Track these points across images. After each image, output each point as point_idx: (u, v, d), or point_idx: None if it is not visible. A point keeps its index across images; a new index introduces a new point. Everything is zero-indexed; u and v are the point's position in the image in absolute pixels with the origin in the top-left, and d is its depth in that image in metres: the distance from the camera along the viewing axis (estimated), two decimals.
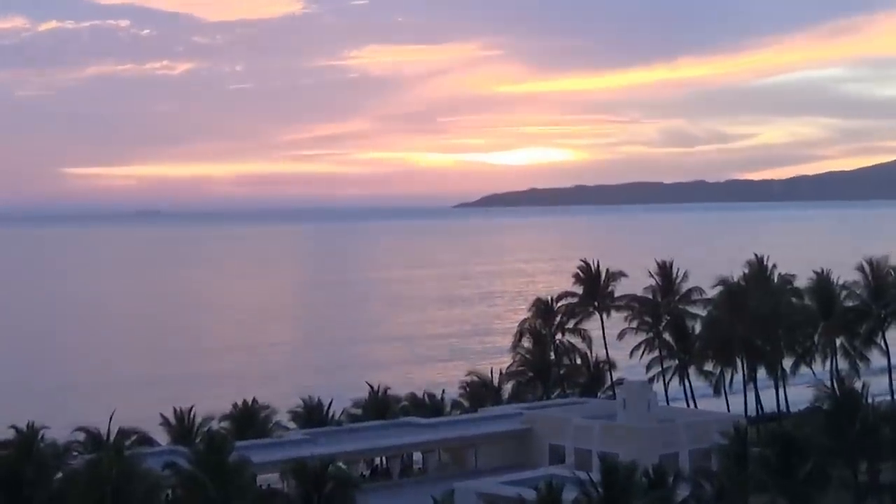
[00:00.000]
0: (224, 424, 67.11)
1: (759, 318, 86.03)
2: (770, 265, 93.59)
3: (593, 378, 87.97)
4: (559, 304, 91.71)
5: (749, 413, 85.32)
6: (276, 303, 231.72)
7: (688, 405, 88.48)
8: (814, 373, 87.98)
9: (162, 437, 66.26)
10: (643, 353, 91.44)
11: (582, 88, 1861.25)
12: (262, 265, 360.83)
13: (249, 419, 68.34)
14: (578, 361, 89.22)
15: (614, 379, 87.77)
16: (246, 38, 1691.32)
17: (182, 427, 65.81)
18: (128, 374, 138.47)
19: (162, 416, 66.93)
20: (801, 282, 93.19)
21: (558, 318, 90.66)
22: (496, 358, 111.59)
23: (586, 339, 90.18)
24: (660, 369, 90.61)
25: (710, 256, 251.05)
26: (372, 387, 78.51)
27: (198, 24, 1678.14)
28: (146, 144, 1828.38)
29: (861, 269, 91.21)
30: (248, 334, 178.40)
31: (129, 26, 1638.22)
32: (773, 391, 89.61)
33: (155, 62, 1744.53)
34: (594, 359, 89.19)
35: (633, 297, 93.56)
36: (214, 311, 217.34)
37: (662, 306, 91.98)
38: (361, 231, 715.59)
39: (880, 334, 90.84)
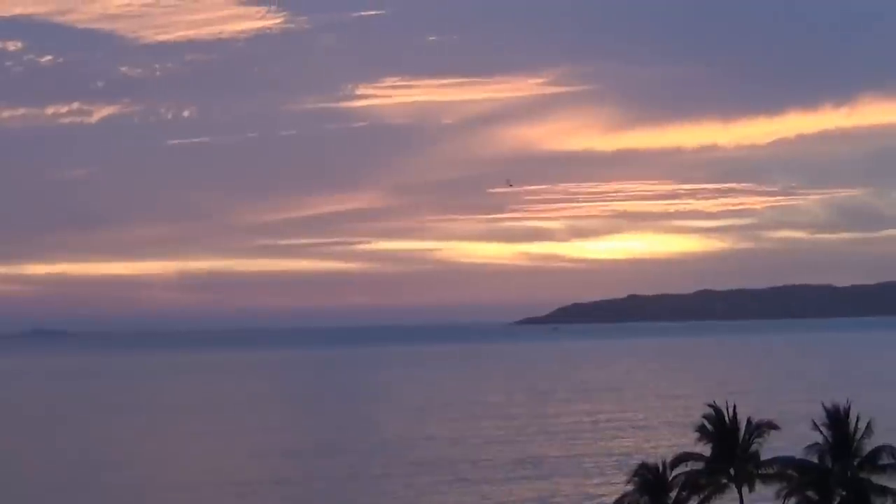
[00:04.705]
0: None
1: None
2: None
3: None
4: (675, 473, 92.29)
5: None
6: (242, 475, 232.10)
7: None
8: None
9: None
10: None
11: (708, 143, 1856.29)
12: (221, 415, 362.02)
13: None
14: None
15: None
16: (199, 68, 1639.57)
17: None
18: None
19: None
20: None
21: (674, 494, 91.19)
22: None
23: None
24: None
25: None
26: None
27: (127, 47, 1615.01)
28: (47, 232, 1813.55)
29: None
30: None
31: (22, 49, 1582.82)
32: None
33: (61, 105, 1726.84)
34: None
35: (790, 462, 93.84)
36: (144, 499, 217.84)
37: (835, 475, 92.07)
38: (373, 359, 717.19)
39: None
